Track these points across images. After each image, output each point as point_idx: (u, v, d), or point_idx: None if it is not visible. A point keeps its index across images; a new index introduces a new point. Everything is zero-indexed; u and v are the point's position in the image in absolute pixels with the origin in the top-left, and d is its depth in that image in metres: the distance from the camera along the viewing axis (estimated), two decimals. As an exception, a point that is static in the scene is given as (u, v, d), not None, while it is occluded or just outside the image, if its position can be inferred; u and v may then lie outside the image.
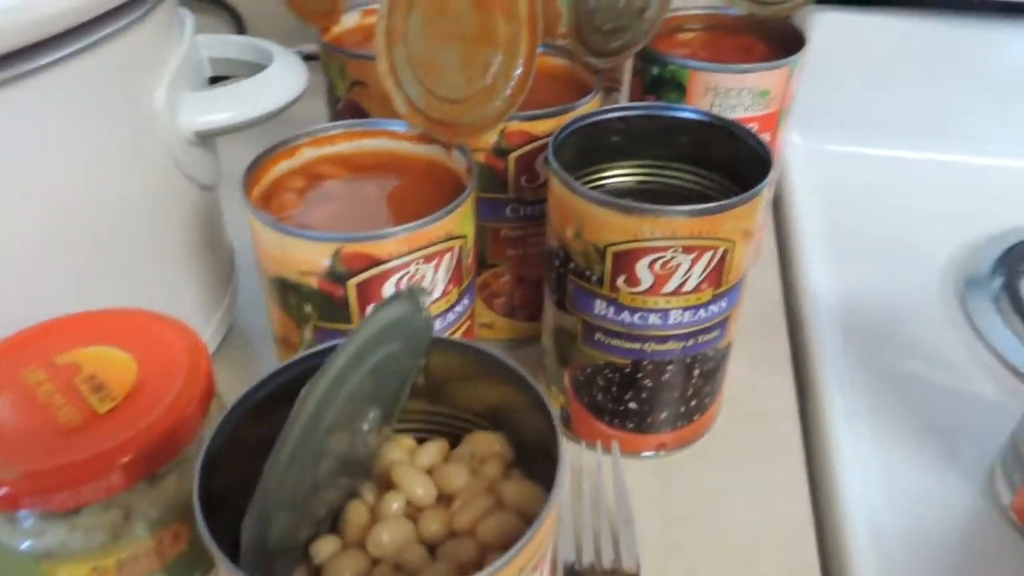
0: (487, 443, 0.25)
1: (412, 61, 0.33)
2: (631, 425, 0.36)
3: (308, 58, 0.70)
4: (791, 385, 0.42)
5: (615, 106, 0.36)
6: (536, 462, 0.25)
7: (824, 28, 0.57)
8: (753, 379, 0.41)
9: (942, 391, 0.42)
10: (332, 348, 0.24)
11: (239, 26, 0.73)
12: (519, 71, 0.32)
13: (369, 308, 0.30)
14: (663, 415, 0.36)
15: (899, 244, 0.52)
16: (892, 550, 0.34)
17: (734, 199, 0.30)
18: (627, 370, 0.34)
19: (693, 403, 0.36)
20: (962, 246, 0.51)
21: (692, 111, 0.36)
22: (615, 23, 0.39)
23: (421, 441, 0.26)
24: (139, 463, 0.24)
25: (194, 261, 0.37)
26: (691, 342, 0.34)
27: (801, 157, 0.58)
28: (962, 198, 0.55)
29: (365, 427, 0.22)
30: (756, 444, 0.38)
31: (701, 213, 0.30)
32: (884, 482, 0.37)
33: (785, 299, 0.48)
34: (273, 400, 0.23)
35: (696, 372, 0.35)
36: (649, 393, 0.35)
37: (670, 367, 0.34)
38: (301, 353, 0.24)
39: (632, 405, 0.35)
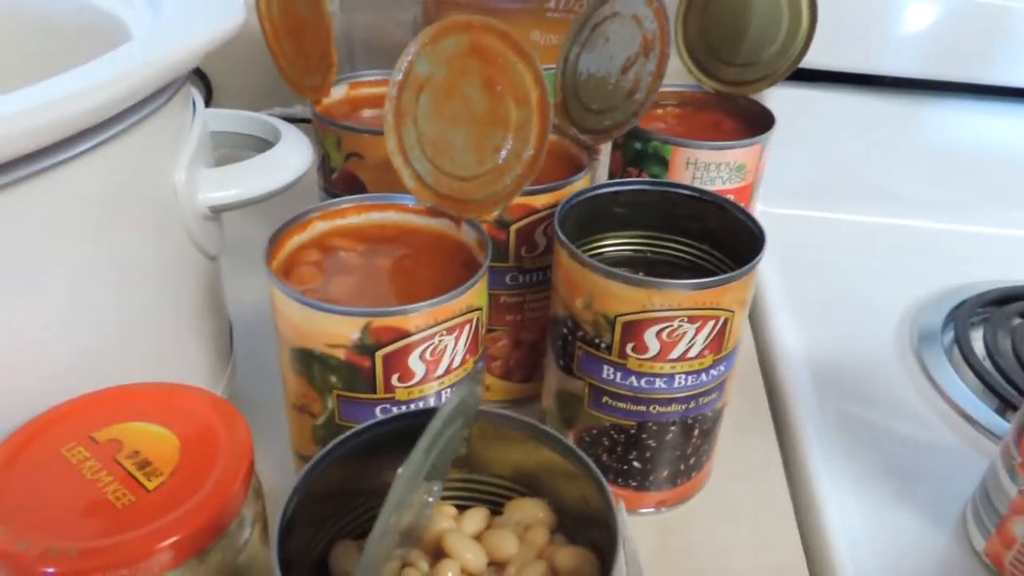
0: (532, 510, 0.26)
1: (421, 140, 0.35)
2: (634, 483, 0.38)
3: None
4: (773, 439, 0.44)
5: (613, 181, 0.39)
6: (576, 527, 0.26)
7: (781, 102, 0.61)
8: (739, 436, 0.43)
9: (908, 440, 0.45)
10: (395, 418, 0.25)
11: (207, 90, 0.74)
12: (530, 152, 0.34)
13: (394, 378, 0.32)
14: (665, 473, 0.38)
15: (856, 302, 0.56)
16: (881, 595, 0.36)
17: (734, 273, 0.33)
18: (632, 431, 0.36)
19: (692, 461, 0.38)
20: (914, 303, 0.55)
21: (685, 187, 0.38)
22: (604, 103, 0.42)
23: (459, 509, 0.27)
24: (191, 539, 0.25)
25: (202, 331, 0.37)
26: (692, 404, 0.36)
27: (762, 221, 0.62)
28: (912, 258, 0.60)
29: (430, 500, 0.23)
30: (747, 498, 0.40)
31: (705, 286, 0.32)
32: (867, 530, 0.39)
33: (759, 357, 0.51)
34: (345, 459, 0.24)
35: (696, 432, 0.37)
36: (652, 452, 0.37)
37: (673, 428, 0.36)
38: (385, 416, 0.25)
39: (636, 464, 0.37)
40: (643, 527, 0.38)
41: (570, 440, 0.38)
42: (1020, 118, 0.62)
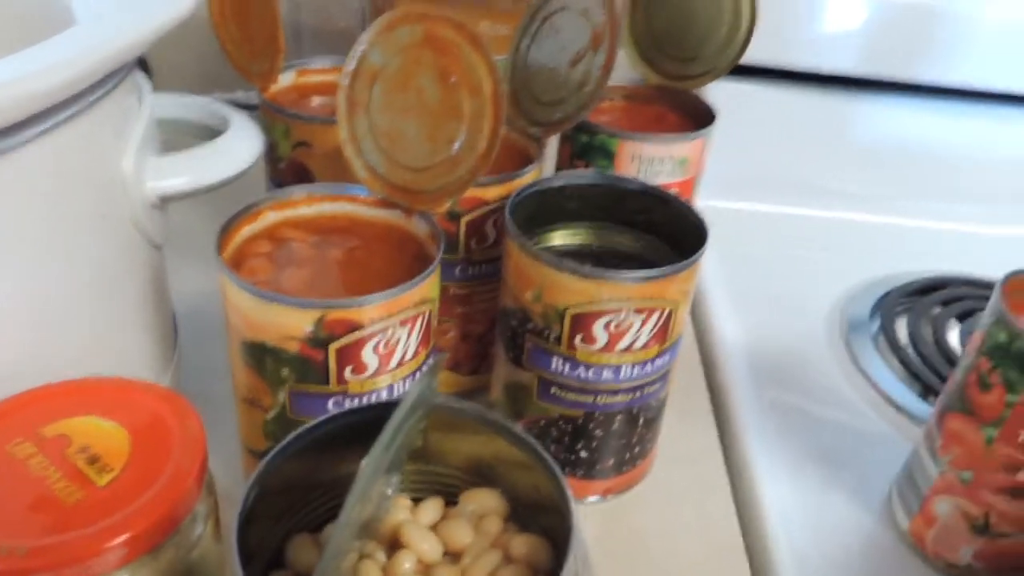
0: (486, 500, 0.26)
1: (374, 130, 0.35)
2: (580, 472, 0.39)
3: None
4: (713, 428, 0.46)
5: (563, 174, 0.39)
6: (529, 515, 0.27)
7: (721, 96, 0.63)
8: (680, 424, 0.45)
9: (837, 425, 0.47)
10: (352, 412, 0.25)
11: (146, 74, 0.72)
12: (483, 144, 0.34)
13: (347, 371, 0.32)
14: (610, 462, 0.39)
15: (790, 292, 0.58)
16: (814, 573, 0.38)
17: (679, 265, 0.34)
18: (580, 421, 0.37)
19: (637, 449, 0.39)
20: (844, 293, 0.58)
21: (632, 181, 0.39)
22: (554, 95, 0.42)
23: (415, 500, 0.27)
24: (144, 536, 0.24)
25: (147, 323, 0.37)
26: (638, 394, 0.37)
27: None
28: (843, 250, 0.62)
29: (389, 492, 0.24)
30: (688, 484, 0.42)
31: (651, 278, 0.33)
32: (800, 511, 0.41)
33: (699, 347, 0.52)
34: (303, 453, 0.25)
35: (640, 421, 0.38)
36: (599, 442, 0.38)
37: (619, 417, 0.37)
38: (346, 408, 0.25)
39: (583, 454, 0.38)
40: (589, 515, 0.39)
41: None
42: (944, 115, 0.65)
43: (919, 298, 0.57)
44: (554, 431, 0.38)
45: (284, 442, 0.23)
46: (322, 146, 0.43)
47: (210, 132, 0.39)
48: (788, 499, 0.41)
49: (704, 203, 0.64)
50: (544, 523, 0.26)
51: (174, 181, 0.34)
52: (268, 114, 0.44)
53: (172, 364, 0.39)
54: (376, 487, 0.23)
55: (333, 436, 0.26)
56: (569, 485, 0.38)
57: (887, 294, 0.57)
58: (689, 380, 0.49)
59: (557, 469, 0.24)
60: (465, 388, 0.46)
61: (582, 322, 0.34)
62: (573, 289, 0.34)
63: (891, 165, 0.66)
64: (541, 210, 0.39)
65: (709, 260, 0.59)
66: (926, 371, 0.50)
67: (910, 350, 0.52)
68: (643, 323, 0.34)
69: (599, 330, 0.34)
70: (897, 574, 0.39)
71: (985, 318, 0.35)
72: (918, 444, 0.40)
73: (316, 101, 0.48)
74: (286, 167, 0.45)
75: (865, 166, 0.66)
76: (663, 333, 0.35)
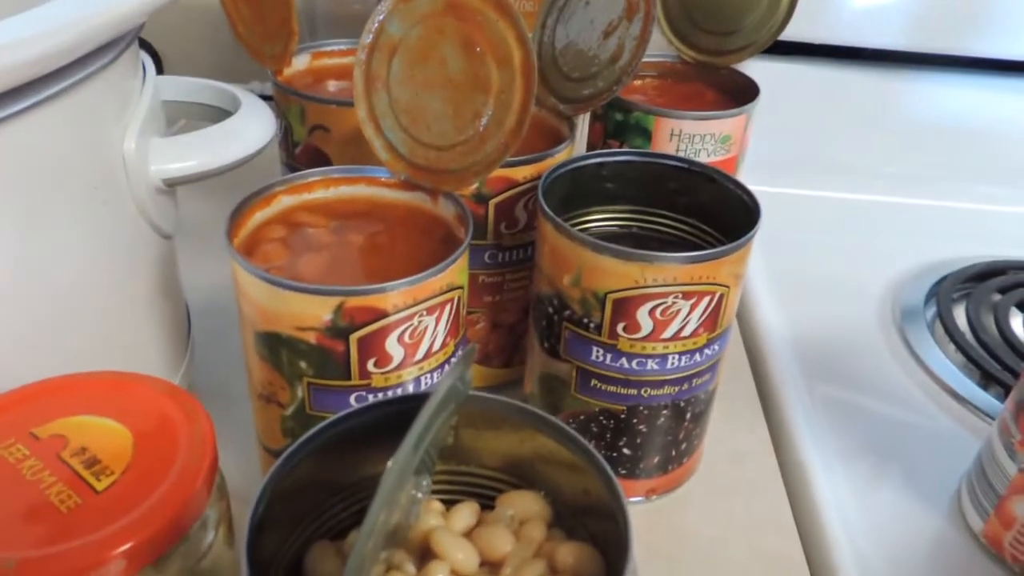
0: (527, 503, 0.24)
1: (394, 107, 0.33)
2: (623, 471, 0.36)
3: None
4: (763, 421, 0.43)
5: (598, 151, 0.37)
6: (575, 520, 0.24)
7: (761, 75, 0.60)
8: (727, 419, 0.42)
9: (894, 419, 0.44)
10: (374, 406, 0.23)
11: (156, 64, 0.70)
12: (512, 119, 0.32)
13: (370, 363, 0.29)
14: (655, 460, 0.36)
15: (838, 279, 0.54)
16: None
17: (730, 245, 0.31)
18: (622, 416, 0.34)
19: (684, 446, 0.36)
20: (896, 279, 0.54)
21: (673, 158, 0.36)
22: (584, 71, 0.39)
23: (446, 504, 0.25)
24: (147, 545, 0.22)
25: (156, 316, 0.34)
26: (686, 386, 0.34)
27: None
28: (893, 235, 0.59)
29: (419, 496, 0.21)
30: (739, 484, 0.39)
31: (701, 259, 0.30)
32: (860, 511, 0.38)
33: (743, 337, 0.49)
34: (309, 459, 0.22)
35: (688, 415, 0.35)
36: (643, 438, 0.35)
37: (665, 411, 0.34)
38: (342, 413, 0.23)
39: (626, 451, 0.35)
40: (633, 517, 0.36)
41: (556, 426, 0.36)
42: (999, 91, 0.61)
43: (977, 284, 0.53)
44: (594, 427, 0.35)
45: (300, 440, 0.21)
46: (339, 129, 0.41)
47: (221, 115, 0.37)
48: (846, 498, 0.38)
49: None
50: (593, 529, 0.23)
51: (180, 164, 0.32)
52: (282, 97, 0.42)
53: (185, 359, 0.37)
54: (404, 490, 0.20)
55: (355, 433, 0.23)
56: (621, 488, 0.36)
57: (942, 280, 0.53)
58: (734, 372, 0.46)
59: (609, 469, 0.21)
60: (497, 381, 0.43)
61: (625, 308, 0.31)
62: (615, 272, 0.31)
63: (943, 144, 0.62)
64: (575, 192, 0.37)
65: (752, 247, 0.56)
66: (988, 359, 0.46)
67: (970, 337, 0.48)
68: (692, 308, 0.31)
69: (643, 317, 0.31)
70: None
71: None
72: (992, 439, 0.36)
73: (332, 85, 0.45)
74: (302, 152, 0.42)
75: (914, 146, 0.62)
76: (713, 319, 0.32)
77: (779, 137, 0.58)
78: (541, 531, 0.23)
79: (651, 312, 0.31)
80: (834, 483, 0.39)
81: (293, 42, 0.42)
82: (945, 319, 0.50)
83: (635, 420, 0.34)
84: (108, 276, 0.31)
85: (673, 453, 0.36)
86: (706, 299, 0.31)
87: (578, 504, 0.23)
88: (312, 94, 0.41)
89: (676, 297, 0.31)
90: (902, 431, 0.43)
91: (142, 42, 0.69)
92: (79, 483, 0.23)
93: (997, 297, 0.52)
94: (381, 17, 0.32)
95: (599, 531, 0.22)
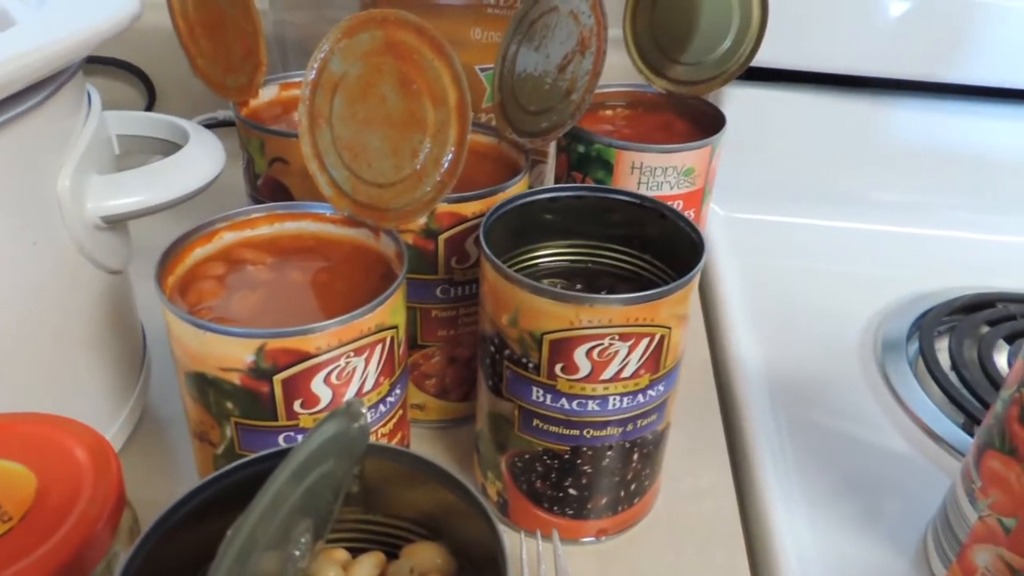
0: (427, 555, 0.23)
1: (337, 144, 0.33)
2: (570, 512, 0.35)
3: (227, 124, 0.68)
4: (726, 458, 0.42)
5: (546, 187, 0.36)
6: (480, 569, 0.23)
7: (739, 102, 0.59)
8: (689, 455, 0.41)
9: (867, 456, 0.42)
10: (259, 460, 0.22)
11: (151, 94, 0.71)
12: (449, 157, 0.31)
13: (297, 404, 0.29)
14: (603, 500, 0.35)
15: (818, 310, 0.53)
16: (834, 631, 0.34)
17: (668, 287, 0.30)
18: (566, 456, 0.33)
19: (633, 487, 0.35)
20: (878, 311, 0.53)
21: (623, 193, 0.36)
22: (541, 104, 0.39)
23: (354, 552, 0.24)
24: (40, 593, 0.22)
25: (102, 349, 0.35)
26: (630, 427, 0.33)
27: (721, 225, 0.60)
28: (875, 265, 0.58)
29: (299, 545, 0.20)
30: (695, 523, 0.38)
31: (637, 301, 0.30)
32: (822, 556, 0.37)
33: (714, 369, 0.48)
34: (197, 515, 0.21)
35: (635, 456, 0.34)
36: (588, 479, 0.34)
37: (609, 452, 0.33)
38: (234, 463, 0.22)
39: (572, 491, 0.34)
40: (582, 557, 0.36)
41: (502, 465, 0.36)
42: (982, 117, 0.60)
43: (963, 317, 0.52)
44: (539, 466, 0.34)
45: (164, 511, 0.20)
46: (298, 162, 0.41)
47: (173, 149, 0.37)
48: (807, 542, 0.37)
49: (725, 214, 0.61)
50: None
51: (120, 201, 0.32)
52: (243, 129, 0.42)
53: (135, 389, 0.37)
54: (277, 542, 0.20)
55: (231, 495, 0.22)
56: (550, 526, 0.35)
57: (927, 312, 0.52)
58: (701, 405, 0.45)
59: (492, 517, 0.20)
60: (456, 415, 0.42)
61: (562, 349, 0.31)
62: (550, 314, 0.30)
63: (927, 172, 0.61)
64: (526, 227, 0.36)
65: (730, 275, 0.55)
66: (970, 399, 0.45)
67: (952, 375, 0.47)
68: (631, 350, 0.31)
69: (581, 358, 0.31)
70: (933, 631, 0.34)
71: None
72: (955, 484, 0.35)
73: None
74: (263, 184, 0.42)
75: (899, 173, 0.61)
76: (655, 361, 0.32)
77: (761, 164, 0.58)
78: (439, 585, 0.23)
79: (588, 353, 0.31)
80: (795, 526, 0.38)
81: (260, 73, 0.42)
82: (927, 355, 0.48)
83: (579, 460, 0.33)
84: (46, 312, 0.31)
85: (622, 494, 0.35)
86: (644, 340, 0.31)
87: (479, 556, 0.23)
88: (270, 127, 0.41)
89: (613, 339, 0.30)
90: (875, 472, 0.42)
91: (136, 72, 0.71)
92: (-24, 529, 0.23)
93: (984, 330, 0.50)
94: (323, 55, 0.32)
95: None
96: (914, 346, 0.50)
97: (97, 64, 0.69)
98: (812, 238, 0.60)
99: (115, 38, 0.30)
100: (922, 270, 0.56)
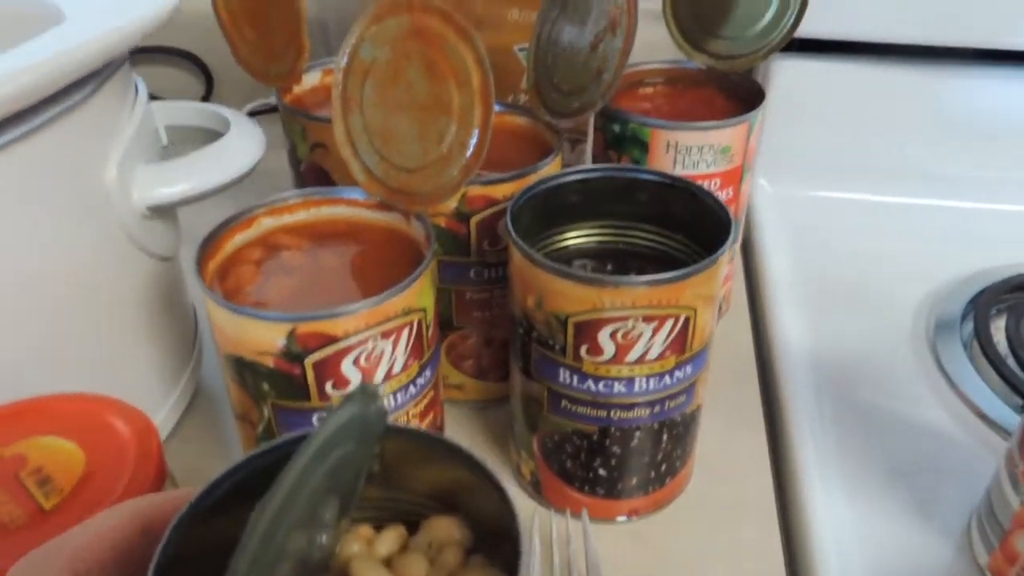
0: (445, 529, 0.24)
1: (368, 129, 0.33)
2: (601, 491, 0.36)
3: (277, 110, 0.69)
4: (763, 440, 0.41)
5: (574, 168, 0.36)
6: (498, 544, 0.24)
7: (787, 74, 0.58)
8: (726, 435, 0.41)
9: (915, 441, 0.41)
10: (291, 442, 0.23)
11: (208, 81, 0.73)
12: (474, 140, 0.32)
13: (328, 385, 0.30)
14: (633, 481, 0.35)
15: (868, 288, 0.52)
16: (868, 614, 0.33)
17: (692, 268, 0.30)
18: (595, 437, 0.34)
19: (664, 467, 0.36)
20: (932, 290, 0.51)
21: (652, 172, 0.36)
22: (573, 83, 0.39)
23: (379, 528, 0.25)
24: (84, 563, 0.23)
25: (154, 333, 0.36)
26: (658, 408, 0.33)
27: (769, 202, 0.59)
28: (930, 241, 0.56)
29: (326, 524, 0.21)
30: (729, 504, 0.38)
31: (660, 283, 0.30)
32: (859, 540, 0.36)
33: (756, 348, 0.48)
34: (235, 494, 0.22)
35: (665, 437, 0.34)
36: (618, 460, 0.34)
37: (638, 433, 0.34)
38: (258, 449, 0.23)
39: (601, 472, 0.35)
40: (615, 536, 0.36)
41: (534, 445, 0.36)
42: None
43: (1022, 295, 0.50)
44: (568, 447, 0.35)
45: (194, 498, 0.21)
46: (337, 147, 0.42)
47: (216, 137, 0.39)
48: (845, 525, 0.37)
49: (773, 190, 0.59)
50: (506, 554, 0.23)
51: (165, 190, 0.34)
52: (286, 115, 0.43)
53: (187, 370, 0.39)
54: (304, 520, 0.21)
55: (260, 481, 0.23)
56: (579, 505, 0.35)
57: (982, 291, 0.50)
58: (741, 384, 0.44)
59: (504, 489, 0.21)
60: (494, 395, 0.43)
61: (586, 331, 0.31)
62: (573, 296, 0.30)
63: (982, 143, 0.58)
64: (555, 208, 0.36)
65: (777, 252, 0.55)
66: (1027, 380, 0.43)
67: (1009, 357, 0.45)
68: (655, 332, 0.31)
69: (605, 340, 0.31)
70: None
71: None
72: (999, 469, 0.34)
73: (341, 101, 0.46)
74: (306, 170, 0.44)
75: (952, 146, 0.58)
76: (680, 343, 0.32)
77: (809, 138, 0.56)
78: (456, 557, 0.23)
79: (612, 335, 0.31)
80: (833, 508, 0.37)
81: (303, 59, 0.43)
82: (982, 336, 0.47)
83: (608, 441, 0.34)
84: (98, 298, 0.33)
85: (653, 474, 0.35)
86: (669, 322, 0.31)
87: (496, 529, 0.23)
88: (313, 113, 0.42)
89: (636, 321, 0.30)
90: (923, 457, 0.41)
91: (194, 59, 0.73)
92: (29, 501, 0.25)
93: (1044, 309, 0.48)
94: (353, 41, 0.32)
95: (511, 555, 0.22)
96: (969, 326, 0.49)
97: (155, 53, 0.71)
98: (862, 213, 0.58)
99: (171, 26, 0.31)
100: (977, 246, 0.54)
